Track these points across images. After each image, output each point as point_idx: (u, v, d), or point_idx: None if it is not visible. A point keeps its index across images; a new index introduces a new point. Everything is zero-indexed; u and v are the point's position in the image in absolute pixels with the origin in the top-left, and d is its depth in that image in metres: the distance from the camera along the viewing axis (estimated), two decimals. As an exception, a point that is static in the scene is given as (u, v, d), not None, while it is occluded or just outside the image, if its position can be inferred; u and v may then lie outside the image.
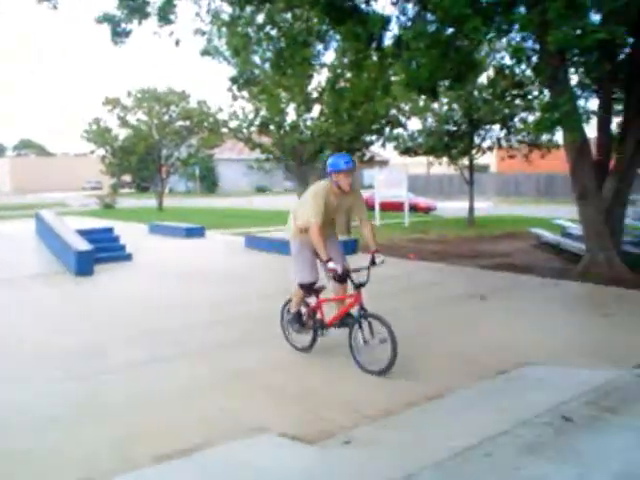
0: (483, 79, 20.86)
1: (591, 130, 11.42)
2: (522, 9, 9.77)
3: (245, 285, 10.38)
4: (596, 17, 9.71)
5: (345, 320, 5.84)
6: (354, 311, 5.69)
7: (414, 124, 25.23)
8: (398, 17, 11.67)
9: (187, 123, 33.90)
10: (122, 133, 35.78)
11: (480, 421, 3.77)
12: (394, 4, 11.71)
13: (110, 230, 14.67)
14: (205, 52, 15.99)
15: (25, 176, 74.65)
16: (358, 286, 5.55)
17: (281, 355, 6.20)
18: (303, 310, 6.20)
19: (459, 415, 4.29)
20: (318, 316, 6.12)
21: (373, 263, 5.60)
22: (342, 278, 5.52)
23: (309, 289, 5.98)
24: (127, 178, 48.37)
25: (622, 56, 12.17)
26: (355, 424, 4.38)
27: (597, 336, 6.75)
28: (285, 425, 4.37)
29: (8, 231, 18.71)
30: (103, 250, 12.49)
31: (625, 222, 12.02)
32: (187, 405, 4.85)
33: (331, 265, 5.42)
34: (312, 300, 6.14)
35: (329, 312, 6.05)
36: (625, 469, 1.80)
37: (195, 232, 17.95)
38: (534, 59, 11.67)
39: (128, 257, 13.14)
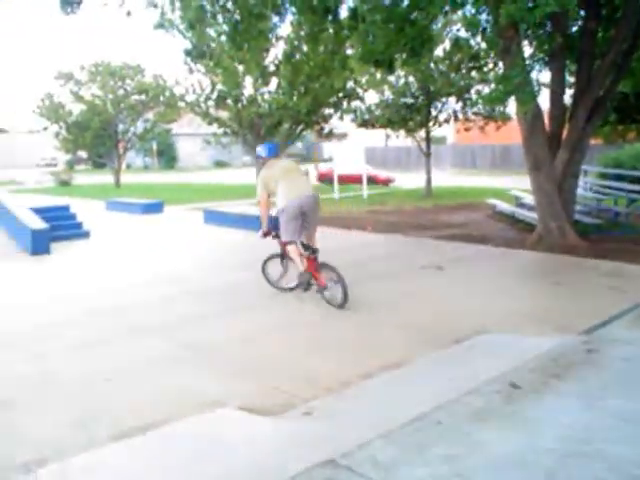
0: (439, 51, 20.96)
1: (544, 102, 11.56)
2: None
3: (206, 259, 10.38)
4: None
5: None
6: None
7: (371, 97, 25.45)
8: (355, -11, 11.61)
9: (143, 97, 33.25)
10: (76, 108, 34.84)
11: (433, 390, 3.90)
12: (351, -24, 11.63)
13: (66, 208, 14.39)
14: (159, 25, 15.61)
15: (-25, 154, 72.23)
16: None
17: (247, 327, 6.24)
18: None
19: (413, 385, 4.41)
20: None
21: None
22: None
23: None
24: (83, 154, 47.21)
25: (574, 29, 12.35)
26: (314, 396, 4.46)
27: (548, 304, 6.95)
28: (244, 398, 4.43)
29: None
30: (60, 228, 12.32)
31: (577, 192, 12.29)
32: (144, 382, 4.86)
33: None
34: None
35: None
36: (569, 433, 1.90)
37: (153, 208, 17.78)
38: (489, 32, 11.74)
39: (85, 235, 13.01)
